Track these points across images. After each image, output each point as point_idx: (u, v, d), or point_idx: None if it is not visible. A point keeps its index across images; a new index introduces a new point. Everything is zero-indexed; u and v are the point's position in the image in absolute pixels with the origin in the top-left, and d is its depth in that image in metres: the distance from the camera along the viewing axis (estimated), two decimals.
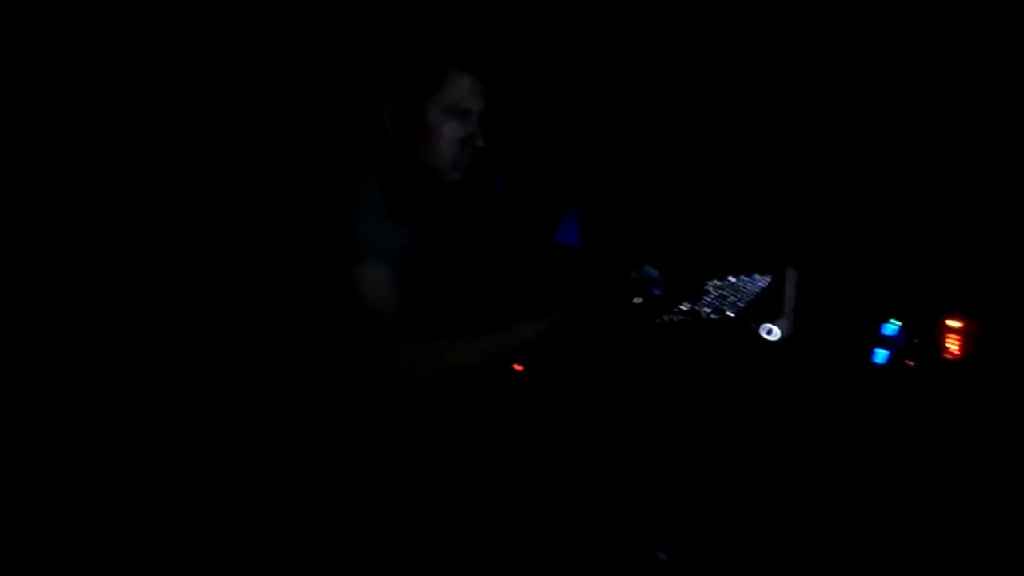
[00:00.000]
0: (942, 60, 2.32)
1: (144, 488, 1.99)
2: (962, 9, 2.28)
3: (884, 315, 1.83)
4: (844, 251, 2.27)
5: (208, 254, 2.12)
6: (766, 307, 1.54)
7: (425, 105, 1.64)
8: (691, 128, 2.48)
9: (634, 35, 2.44)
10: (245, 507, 1.72)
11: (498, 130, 1.72)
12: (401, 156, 1.66)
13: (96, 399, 2.08)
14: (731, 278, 1.84)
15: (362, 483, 1.59)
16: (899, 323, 1.78)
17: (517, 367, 1.69)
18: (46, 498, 1.98)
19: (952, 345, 1.88)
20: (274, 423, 1.68)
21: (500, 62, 1.74)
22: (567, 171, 2.25)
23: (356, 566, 1.56)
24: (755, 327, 1.47)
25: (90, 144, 2.15)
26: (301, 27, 2.22)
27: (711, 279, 1.86)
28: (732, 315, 1.51)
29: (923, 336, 1.81)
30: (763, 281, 1.78)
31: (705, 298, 1.68)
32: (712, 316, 1.53)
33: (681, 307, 1.62)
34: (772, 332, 1.46)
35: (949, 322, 1.90)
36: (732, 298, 1.65)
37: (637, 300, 1.70)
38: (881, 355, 1.61)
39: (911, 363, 1.74)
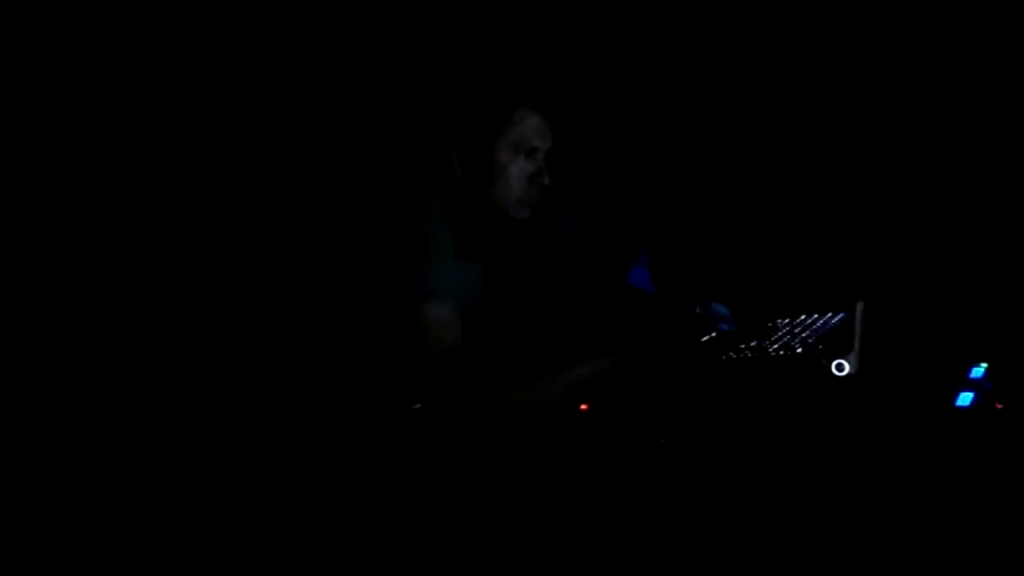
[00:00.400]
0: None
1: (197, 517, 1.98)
2: None
3: (971, 357, 1.76)
4: (927, 287, 2.20)
5: (277, 290, 2.17)
6: (838, 343, 1.50)
7: (493, 144, 1.67)
8: (762, 167, 2.45)
9: (700, 77, 2.45)
10: (303, 543, 1.74)
11: (564, 169, 1.73)
12: (469, 195, 1.69)
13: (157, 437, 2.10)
14: (803, 316, 1.80)
15: (426, 521, 1.59)
16: (985, 364, 1.70)
17: (583, 406, 1.68)
18: (70, 501, 1.98)
19: None
20: (340, 459, 1.70)
21: (566, 102, 1.76)
22: (637, 210, 2.25)
23: None
24: (825, 363, 1.43)
25: (157, 175, 2.20)
26: (372, 66, 2.28)
27: (783, 318, 1.83)
28: (800, 351, 1.47)
29: (1012, 378, 1.72)
30: (836, 319, 1.74)
31: (774, 335, 1.65)
32: (780, 352, 1.49)
33: (750, 344, 1.59)
34: (842, 367, 1.41)
35: None
36: (803, 335, 1.61)
37: (705, 337, 1.68)
38: (966, 398, 1.53)
39: (1000, 406, 1.65)
